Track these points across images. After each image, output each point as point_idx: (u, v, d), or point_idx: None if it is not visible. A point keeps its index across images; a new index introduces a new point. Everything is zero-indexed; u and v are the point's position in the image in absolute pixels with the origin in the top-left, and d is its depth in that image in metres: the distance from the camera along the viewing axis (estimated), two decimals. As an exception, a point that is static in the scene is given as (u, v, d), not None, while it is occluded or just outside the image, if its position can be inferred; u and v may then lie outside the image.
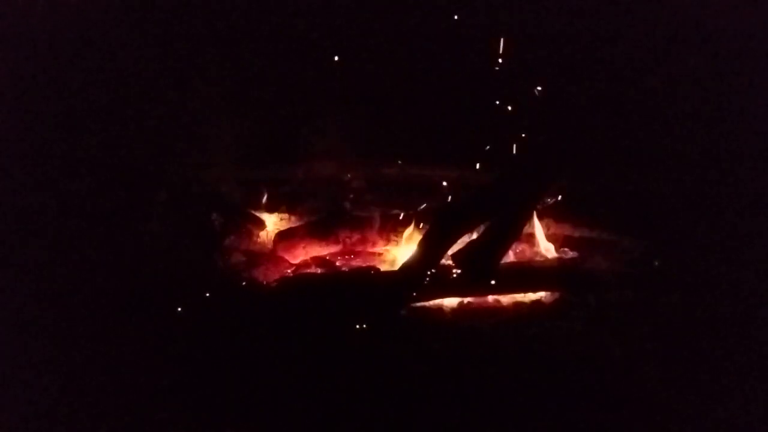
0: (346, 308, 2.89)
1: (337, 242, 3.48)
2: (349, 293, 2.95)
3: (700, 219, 3.38)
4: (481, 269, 3.05)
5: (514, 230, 3.22)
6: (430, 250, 3.08)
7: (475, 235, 3.18)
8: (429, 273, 3.01)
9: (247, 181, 3.70)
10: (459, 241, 3.14)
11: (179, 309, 2.90)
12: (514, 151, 3.48)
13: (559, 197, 3.44)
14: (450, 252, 3.10)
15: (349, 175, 3.82)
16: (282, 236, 3.47)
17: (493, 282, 3.05)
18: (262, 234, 3.54)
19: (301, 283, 3.12)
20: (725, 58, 3.84)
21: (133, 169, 3.43)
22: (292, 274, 3.26)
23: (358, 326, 2.83)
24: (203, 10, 3.81)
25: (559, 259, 3.36)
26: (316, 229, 3.49)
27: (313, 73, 3.81)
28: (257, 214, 3.61)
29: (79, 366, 2.65)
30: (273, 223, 3.60)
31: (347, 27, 3.83)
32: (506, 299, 3.13)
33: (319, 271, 3.31)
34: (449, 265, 3.10)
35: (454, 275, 3.03)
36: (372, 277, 3.09)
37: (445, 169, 3.77)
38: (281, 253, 3.40)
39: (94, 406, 2.51)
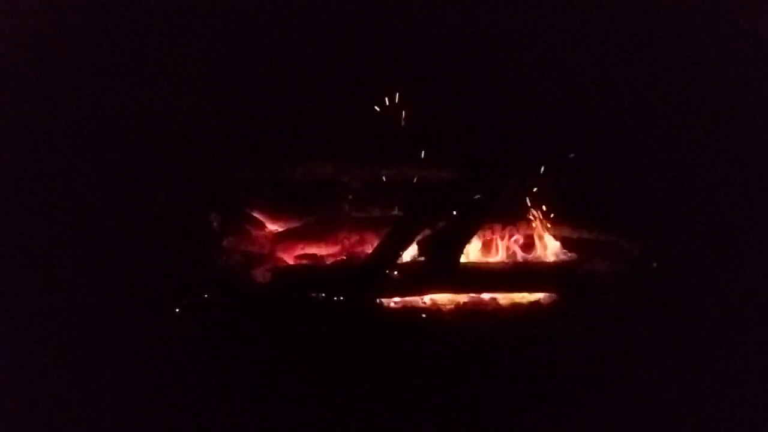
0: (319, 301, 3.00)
1: (335, 243, 3.48)
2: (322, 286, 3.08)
3: (699, 219, 3.38)
4: (445, 262, 3.11)
5: (474, 225, 3.30)
6: (394, 244, 3.20)
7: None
8: (392, 266, 3.10)
9: (247, 181, 3.69)
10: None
11: (177, 310, 2.90)
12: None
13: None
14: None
15: (347, 177, 3.81)
16: (280, 237, 3.47)
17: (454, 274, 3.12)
18: (261, 235, 3.53)
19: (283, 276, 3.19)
20: (727, 57, 3.83)
21: (132, 169, 3.43)
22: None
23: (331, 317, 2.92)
24: (203, 10, 3.81)
25: (557, 260, 3.36)
26: (314, 230, 3.49)
27: (312, 73, 3.81)
28: (256, 214, 3.61)
29: (77, 366, 2.65)
30: (271, 223, 3.60)
31: (347, 26, 3.83)
32: (504, 300, 3.14)
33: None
34: (416, 258, 3.19)
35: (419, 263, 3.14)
36: (338, 269, 3.23)
37: (444, 169, 3.76)
38: (280, 254, 3.40)
39: (93, 406, 2.51)
